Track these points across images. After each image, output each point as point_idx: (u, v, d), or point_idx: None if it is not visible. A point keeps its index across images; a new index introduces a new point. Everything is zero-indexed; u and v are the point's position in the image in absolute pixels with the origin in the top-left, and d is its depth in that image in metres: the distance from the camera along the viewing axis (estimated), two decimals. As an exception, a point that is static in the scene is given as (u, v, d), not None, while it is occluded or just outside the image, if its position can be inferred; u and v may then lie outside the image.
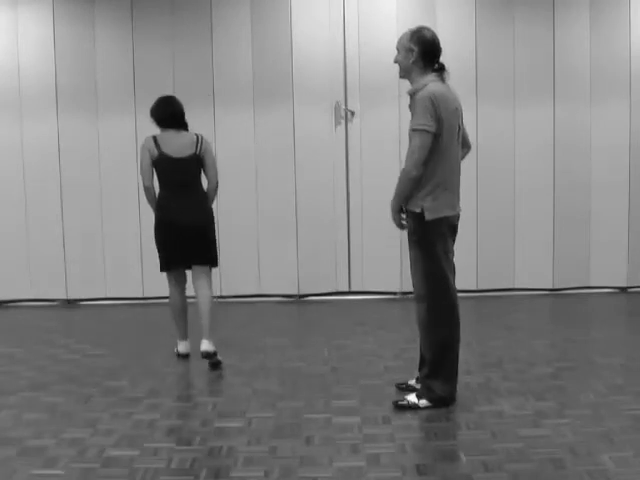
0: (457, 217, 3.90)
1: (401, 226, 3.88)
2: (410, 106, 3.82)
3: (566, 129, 6.73)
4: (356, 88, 6.70)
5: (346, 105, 6.73)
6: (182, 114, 4.79)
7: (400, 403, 3.86)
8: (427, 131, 3.63)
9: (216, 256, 4.83)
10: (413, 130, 3.67)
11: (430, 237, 3.76)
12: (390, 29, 6.50)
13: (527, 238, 6.82)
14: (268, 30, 6.64)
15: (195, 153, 4.67)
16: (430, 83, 3.72)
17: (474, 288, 6.83)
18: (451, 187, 3.81)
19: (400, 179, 3.75)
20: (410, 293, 6.45)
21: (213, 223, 4.80)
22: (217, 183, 4.81)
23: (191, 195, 4.70)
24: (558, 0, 6.62)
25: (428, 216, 3.73)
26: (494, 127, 6.68)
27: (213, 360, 4.62)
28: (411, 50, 3.75)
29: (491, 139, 6.67)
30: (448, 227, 3.82)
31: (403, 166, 3.75)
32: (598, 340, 5.19)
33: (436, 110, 3.63)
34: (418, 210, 3.74)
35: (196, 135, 4.73)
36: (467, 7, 6.61)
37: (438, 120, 3.64)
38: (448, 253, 3.83)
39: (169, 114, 4.74)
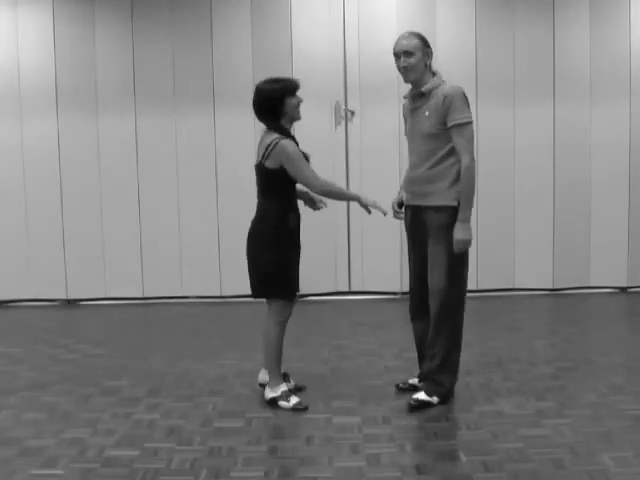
0: None
1: (469, 242, 3.77)
2: (418, 107, 3.80)
3: (566, 129, 6.73)
4: (356, 88, 6.69)
5: (346, 105, 6.73)
6: (261, 107, 3.88)
7: (412, 404, 3.83)
8: (471, 122, 3.69)
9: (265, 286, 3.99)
10: (459, 125, 3.67)
11: None
12: (390, 29, 6.49)
13: (527, 238, 6.82)
14: (268, 30, 6.64)
15: (260, 161, 3.89)
16: (443, 83, 3.78)
17: (474, 288, 6.82)
18: None
19: (468, 176, 3.69)
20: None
21: (262, 248, 3.93)
22: (317, 191, 3.89)
23: (256, 211, 4.00)
24: (558, 0, 6.62)
25: None
26: (494, 127, 6.68)
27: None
28: (428, 53, 3.79)
29: (491, 139, 6.67)
30: None
31: (465, 163, 3.67)
32: (598, 340, 5.19)
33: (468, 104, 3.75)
34: (455, 203, 3.75)
35: (273, 140, 3.83)
36: (467, 7, 6.61)
37: None
38: None
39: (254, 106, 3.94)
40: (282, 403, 3.91)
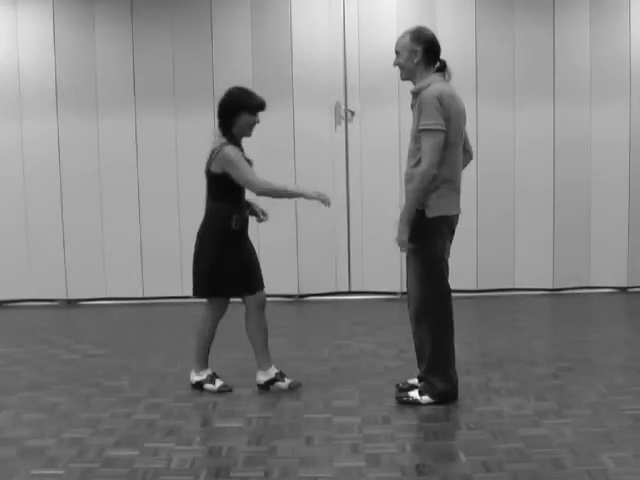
0: (457, 218, 3.90)
1: (404, 243, 3.77)
2: (413, 105, 3.82)
3: (566, 129, 6.73)
4: (356, 88, 6.70)
5: (346, 105, 6.73)
6: (220, 109, 4.02)
7: (404, 399, 3.89)
8: (439, 130, 3.63)
9: (198, 285, 4.15)
10: (423, 130, 3.64)
11: (428, 236, 3.77)
12: (390, 29, 6.50)
13: (527, 238, 6.82)
14: (268, 30, 6.64)
15: (207, 168, 4.03)
16: (435, 82, 3.73)
17: (474, 288, 6.83)
18: (454, 186, 3.82)
19: (419, 181, 3.68)
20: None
21: (206, 248, 4.05)
22: (259, 192, 3.99)
23: (204, 213, 4.13)
24: (558, 0, 6.62)
25: (429, 214, 3.73)
26: (494, 127, 6.68)
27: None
28: (414, 51, 3.75)
29: (491, 139, 6.68)
30: (447, 227, 3.83)
31: (420, 168, 3.67)
32: (598, 340, 5.18)
33: (444, 108, 3.64)
34: (419, 207, 3.75)
35: (218, 146, 3.98)
36: (467, 7, 6.61)
37: (446, 119, 3.65)
38: (444, 253, 3.84)
39: None
40: (208, 386, 4.17)
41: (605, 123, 6.72)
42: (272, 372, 4.21)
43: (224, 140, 3.99)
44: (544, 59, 6.65)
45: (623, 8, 6.63)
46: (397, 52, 3.83)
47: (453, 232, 3.92)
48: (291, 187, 4.22)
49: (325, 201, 4.05)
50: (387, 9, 6.61)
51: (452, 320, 3.90)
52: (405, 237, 3.75)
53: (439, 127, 3.62)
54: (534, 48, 6.64)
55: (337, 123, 6.75)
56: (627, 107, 6.71)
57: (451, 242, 3.92)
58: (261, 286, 4.17)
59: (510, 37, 6.64)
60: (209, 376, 4.22)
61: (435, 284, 3.82)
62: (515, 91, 6.69)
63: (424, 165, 3.66)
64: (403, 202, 3.97)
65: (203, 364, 4.24)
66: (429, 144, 3.64)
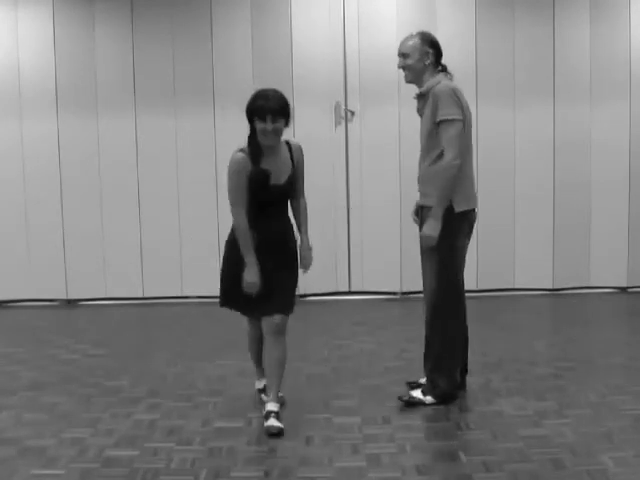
0: (475, 213, 3.93)
1: (433, 240, 3.70)
2: (419, 109, 3.85)
3: (566, 129, 6.73)
4: (356, 88, 6.69)
5: (346, 105, 6.72)
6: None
7: (406, 399, 3.89)
8: (459, 120, 3.65)
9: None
10: (443, 121, 3.65)
11: (454, 230, 3.77)
12: (390, 29, 6.50)
13: (527, 238, 6.81)
14: (268, 30, 6.63)
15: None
16: (443, 80, 3.77)
17: (474, 288, 6.82)
18: (472, 180, 3.86)
19: (445, 173, 3.65)
20: (411, 293, 6.42)
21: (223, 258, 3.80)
22: (233, 220, 3.65)
23: None
24: (558, 0, 6.62)
25: (457, 208, 3.75)
26: (494, 127, 6.68)
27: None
28: (426, 53, 3.80)
29: (491, 139, 6.67)
30: (468, 222, 3.87)
31: (446, 159, 3.63)
32: (598, 340, 5.18)
33: (460, 100, 3.69)
34: (445, 204, 3.74)
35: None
36: (467, 7, 6.61)
37: (462, 110, 3.69)
38: (464, 249, 3.87)
39: None
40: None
41: (605, 123, 6.72)
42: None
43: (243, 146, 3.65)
44: (544, 59, 6.65)
45: (623, 8, 6.62)
46: (403, 54, 3.83)
47: (472, 228, 3.94)
48: (249, 246, 3.57)
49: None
50: (387, 9, 6.60)
51: (465, 322, 3.96)
52: (436, 234, 3.68)
53: (457, 117, 3.65)
54: (534, 48, 6.64)
55: (337, 123, 6.75)
56: (627, 107, 6.71)
57: (470, 239, 3.94)
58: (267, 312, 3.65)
59: (510, 37, 6.64)
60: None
61: (451, 279, 3.85)
62: (515, 91, 6.69)
63: (449, 155, 3.65)
64: (418, 199, 3.97)
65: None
66: (451, 134, 3.64)
